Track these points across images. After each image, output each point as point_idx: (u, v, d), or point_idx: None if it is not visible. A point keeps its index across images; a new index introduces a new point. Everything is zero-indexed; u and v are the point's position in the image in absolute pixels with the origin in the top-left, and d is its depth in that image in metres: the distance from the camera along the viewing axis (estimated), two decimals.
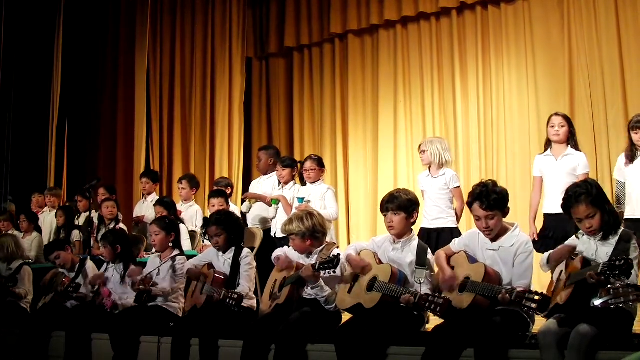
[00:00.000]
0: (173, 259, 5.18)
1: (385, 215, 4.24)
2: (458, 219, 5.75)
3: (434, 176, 5.71)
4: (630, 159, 5.11)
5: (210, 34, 9.62)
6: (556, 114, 5.41)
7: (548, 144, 5.40)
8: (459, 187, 5.71)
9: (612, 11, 7.05)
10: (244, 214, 6.79)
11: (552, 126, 5.32)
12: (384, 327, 3.98)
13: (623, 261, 3.25)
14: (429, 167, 5.78)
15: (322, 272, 4.29)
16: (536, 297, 3.42)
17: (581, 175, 5.18)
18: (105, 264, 5.62)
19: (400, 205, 4.15)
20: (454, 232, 5.51)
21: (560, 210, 5.04)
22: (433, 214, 5.54)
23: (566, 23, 7.35)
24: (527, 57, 7.63)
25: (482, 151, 7.86)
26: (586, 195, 3.56)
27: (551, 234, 5.12)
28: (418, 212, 4.26)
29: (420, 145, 5.90)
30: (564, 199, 3.68)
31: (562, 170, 5.24)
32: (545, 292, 3.63)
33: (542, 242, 5.05)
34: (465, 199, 4.14)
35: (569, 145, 5.30)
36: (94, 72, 10.13)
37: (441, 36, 8.30)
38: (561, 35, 7.40)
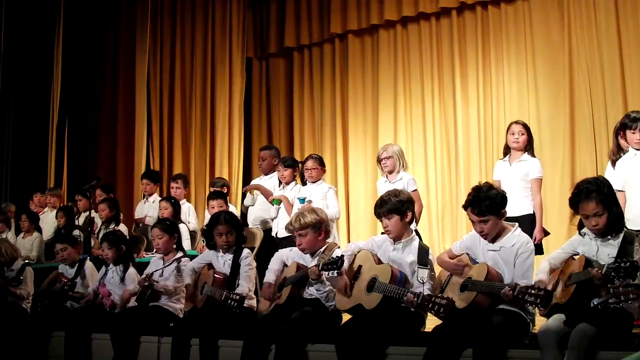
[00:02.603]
0: (178, 260, 5.19)
1: (380, 221, 4.24)
2: (417, 222, 5.83)
3: (392, 181, 5.83)
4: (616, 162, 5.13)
5: (210, 34, 9.64)
6: (516, 122, 5.54)
7: (507, 150, 5.54)
8: (416, 190, 5.84)
9: (612, 11, 7.06)
10: (244, 214, 6.79)
11: (512, 133, 5.46)
12: (383, 327, 3.97)
13: (629, 263, 3.24)
14: (386, 174, 5.89)
15: (326, 273, 4.28)
16: (539, 292, 3.42)
17: (533, 180, 5.35)
18: (104, 266, 5.61)
19: (391, 208, 4.14)
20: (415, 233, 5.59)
21: (511, 214, 5.09)
22: None
23: (566, 23, 7.36)
24: (527, 57, 7.64)
25: (482, 151, 7.86)
26: (597, 193, 3.54)
27: None
28: (413, 211, 4.24)
29: (381, 153, 5.94)
30: (573, 193, 3.64)
31: (515, 176, 5.38)
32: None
33: None
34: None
35: (526, 152, 5.44)
36: (94, 72, 10.15)
37: (441, 36, 8.31)
38: (561, 35, 7.41)
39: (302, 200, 6.03)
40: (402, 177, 5.85)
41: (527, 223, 5.21)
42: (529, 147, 5.45)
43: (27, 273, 6.08)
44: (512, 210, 5.19)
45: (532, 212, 5.33)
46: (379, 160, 5.98)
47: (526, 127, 5.48)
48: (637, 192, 4.78)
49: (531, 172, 5.38)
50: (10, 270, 6.13)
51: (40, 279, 6.08)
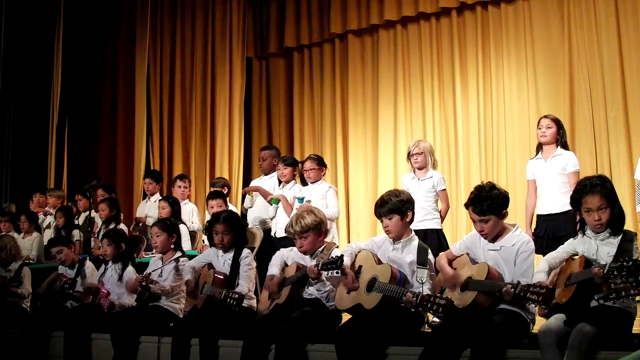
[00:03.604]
0: (176, 260, 5.19)
1: (381, 221, 4.24)
2: (442, 220, 5.80)
3: (421, 178, 5.71)
4: None
5: (210, 34, 9.64)
6: (545, 116, 5.48)
7: (539, 147, 5.46)
8: (445, 189, 5.76)
9: (612, 11, 7.06)
10: (244, 215, 6.79)
11: (540, 128, 5.40)
12: (383, 327, 3.97)
13: (631, 262, 3.24)
14: (414, 170, 5.78)
15: (325, 272, 4.28)
16: (541, 290, 3.42)
17: (571, 174, 5.23)
18: (103, 265, 5.61)
19: (392, 208, 4.14)
20: (439, 234, 5.57)
21: (552, 211, 5.10)
22: (419, 215, 5.20)
23: (566, 23, 7.36)
24: (527, 57, 7.64)
25: (482, 151, 7.86)
26: (601, 187, 3.55)
27: (542, 234, 5.15)
28: (413, 211, 4.24)
29: (412, 149, 5.79)
30: (576, 190, 3.65)
31: (552, 171, 5.29)
32: None
33: (535, 242, 5.04)
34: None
35: (558, 146, 5.34)
36: (94, 72, 10.14)
37: (441, 36, 8.31)
38: (561, 35, 7.41)
39: (301, 200, 6.03)
40: (432, 175, 5.70)
41: (570, 219, 5.02)
42: (560, 141, 5.33)
43: (25, 273, 6.09)
44: (552, 206, 5.17)
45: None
46: (409, 156, 5.82)
47: (555, 121, 5.36)
48: None
49: (568, 165, 5.25)
50: (8, 270, 6.14)
51: (40, 279, 6.06)
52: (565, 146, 5.36)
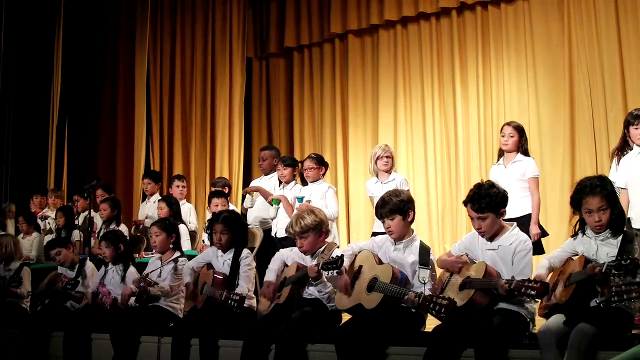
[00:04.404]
0: (175, 260, 5.19)
1: (382, 222, 4.25)
2: None
3: (384, 182, 5.89)
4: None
5: (210, 34, 9.64)
6: (508, 124, 5.55)
7: (501, 152, 5.55)
8: (408, 190, 5.82)
9: (612, 12, 7.05)
10: (244, 215, 6.79)
11: (503, 136, 5.48)
12: (384, 327, 3.98)
13: (629, 261, 3.24)
14: (377, 174, 5.98)
15: (326, 272, 4.28)
16: (535, 285, 3.43)
17: (530, 179, 5.34)
18: (103, 266, 5.60)
19: (393, 208, 4.15)
20: None
21: (511, 215, 5.09)
22: None
23: (566, 23, 7.35)
24: (527, 57, 7.63)
25: (482, 152, 7.86)
26: (602, 188, 3.55)
27: None
28: (414, 210, 4.25)
29: (381, 153, 6.02)
30: (576, 190, 3.65)
31: (511, 177, 5.37)
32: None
33: None
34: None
35: (519, 153, 5.43)
36: (94, 72, 10.14)
37: (441, 36, 8.31)
38: (561, 36, 7.41)
39: (301, 200, 6.04)
40: (394, 177, 5.91)
41: (528, 224, 5.21)
42: (522, 148, 5.44)
43: (25, 272, 6.09)
44: (511, 211, 5.19)
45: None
46: (376, 159, 5.96)
47: (518, 129, 5.46)
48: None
49: (527, 171, 5.36)
50: (8, 270, 6.13)
51: (40, 279, 6.07)
52: (525, 152, 5.45)
